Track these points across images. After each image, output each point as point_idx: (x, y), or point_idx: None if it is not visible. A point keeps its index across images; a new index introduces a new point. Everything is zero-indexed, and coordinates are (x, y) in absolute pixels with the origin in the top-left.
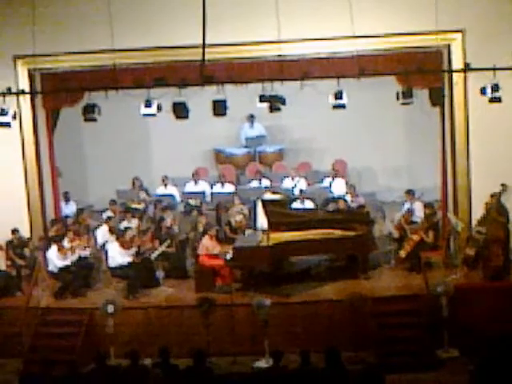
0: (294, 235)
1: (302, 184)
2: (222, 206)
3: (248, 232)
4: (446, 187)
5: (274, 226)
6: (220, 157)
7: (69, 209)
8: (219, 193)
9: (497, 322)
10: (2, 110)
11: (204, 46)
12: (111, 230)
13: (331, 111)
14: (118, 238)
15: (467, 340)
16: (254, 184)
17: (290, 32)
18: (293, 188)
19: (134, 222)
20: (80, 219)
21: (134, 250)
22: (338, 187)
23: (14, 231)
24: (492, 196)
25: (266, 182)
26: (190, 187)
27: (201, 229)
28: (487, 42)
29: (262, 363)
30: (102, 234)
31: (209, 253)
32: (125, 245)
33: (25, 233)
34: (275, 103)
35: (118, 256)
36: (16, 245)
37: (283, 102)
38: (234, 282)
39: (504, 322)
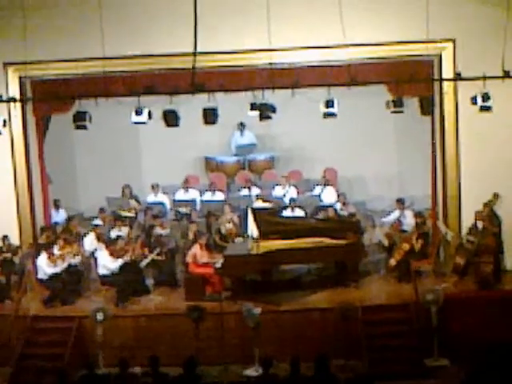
0: (284, 243)
1: (292, 192)
2: (213, 214)
3: (238, 240)
4: (436, 196)
5: (264, 235)
6: (210, 165)
7: (59, 216)
8: (209, 201)
9: (487, 331)
10: None
11: (195, 54)
12: (98, 238)
13: (322, 119)
14: (107, 246)
15: (457, 349)
16: (245, 192)
17: (281, 40)
18: (283, 196)
19: (124, 230)
20: (70, 227)
21: (124, 258)
22: (329, 195)
23: (4, 238)
24: (485, 205)
25: (256, 190)
26: (181, 195)
27: (191, 237)
28: (478, 52)
29: (252, 371)
30: (90, 241)
31: (198, 261)
32: (115, 253)
33: (14, 240)
34: (266, 111)
35: (107, 264)
36: (5, 252)
37: (274, 110)
38: (224, 290)
39: (494, 330)
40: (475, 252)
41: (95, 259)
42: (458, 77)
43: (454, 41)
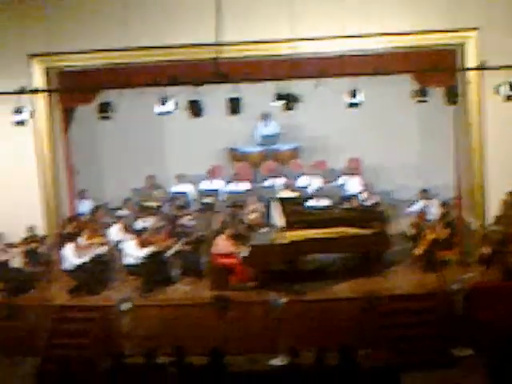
0: (309, 233)
1: (317, 182)
2: (237, 205)
3: (263, 230)
4: (460, 185)
5: (289, 224)
6: (235, 155)
7: (84, 207)
8: (234, 191)
9: None
10: (18, 108)
11: (219, 44)
12: (125, 229)
13: (346, 109)
14: (135, 236)
15: (482, 338)
16: (269, 182)
17: (304, 30)
18: (308, 186)
19: (150, 221)
20: (95, 217)
21: (151, 248)
22: (353, 185)
23: (30, 229)
24: (509, 194)
25: (280, 181)
26: (205, 185)
27: (216, 227)
28: (502, 40)
29: (278, 361)
30: (115, 232)
31: (223, 251)
32: (141, 243)
33: (40, 230)
34: (290, 101)
35: (134, 254)
36: (32, 242)
37: (298, 100)
38: (249, 280)
39: None
40: (501, 241)
41: (121, 250)
42: (482, 66)
43: (478, 30)
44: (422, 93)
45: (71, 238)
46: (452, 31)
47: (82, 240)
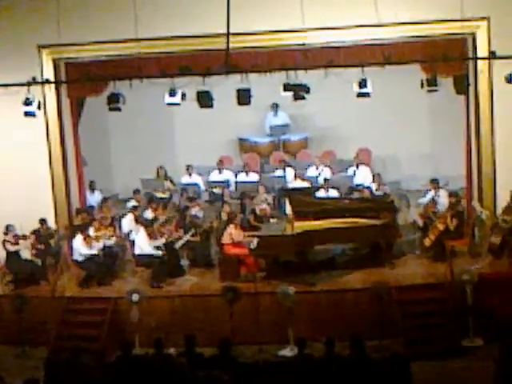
0: (318, 224)
1: (326, 172)
2: (247, 195)
3: (272, 221)
4: (470, 175)
5: (298, 215)
6: (244, 145)
7: (94, 198)
8: (243, 181)
9: None
10: (27, 99)
11: (228, 34)
12: (137, 220)
13: (356, 99)
14: (146, 227)
15: (492, 328)
16: (279, 173)
17: (314, 20)
18: (317, 176)
19: (160, 212)
20: (105, 208)
21: (161, 239)
22: (363, 176)
23: (42, 221)
24: None
25: (290, 171)
26: (215, 176)
27: (225, 217)
28: None
29: (287, 352)
30: (128, 223)
31: (234, 241)
32: (152, 234)
33: (51, 222)
34: (299, 92)
35: (145, 245)
36: (42, 234)
37: (307, 90)
38: (259, 271)
39: None
40: (510, 231)
41: (131, 241)
42: (492, 55)
43: (488, 19)
44: (432, 82)
45: (81, 229)
46: (462, 21)
47: (92, 231)
